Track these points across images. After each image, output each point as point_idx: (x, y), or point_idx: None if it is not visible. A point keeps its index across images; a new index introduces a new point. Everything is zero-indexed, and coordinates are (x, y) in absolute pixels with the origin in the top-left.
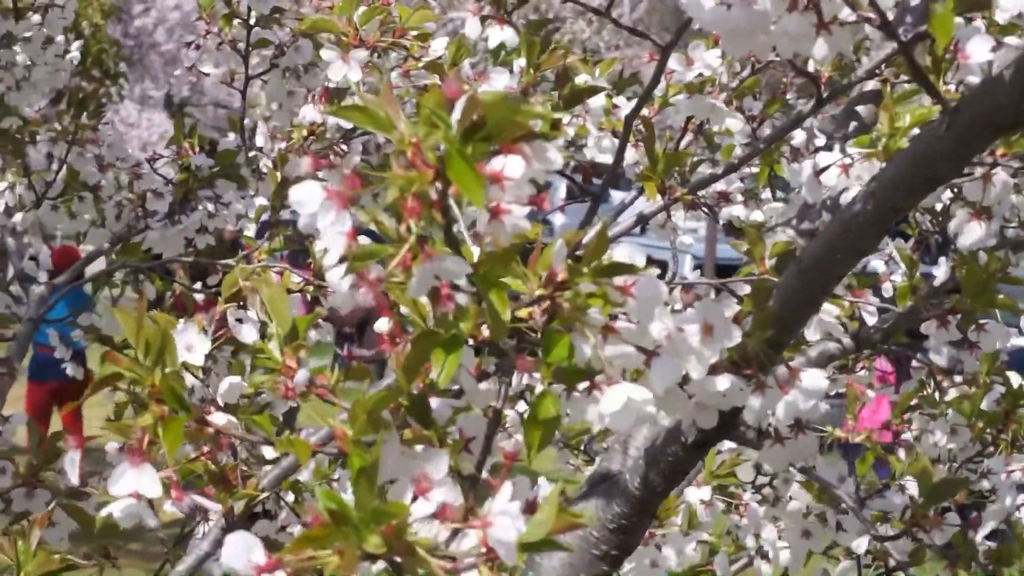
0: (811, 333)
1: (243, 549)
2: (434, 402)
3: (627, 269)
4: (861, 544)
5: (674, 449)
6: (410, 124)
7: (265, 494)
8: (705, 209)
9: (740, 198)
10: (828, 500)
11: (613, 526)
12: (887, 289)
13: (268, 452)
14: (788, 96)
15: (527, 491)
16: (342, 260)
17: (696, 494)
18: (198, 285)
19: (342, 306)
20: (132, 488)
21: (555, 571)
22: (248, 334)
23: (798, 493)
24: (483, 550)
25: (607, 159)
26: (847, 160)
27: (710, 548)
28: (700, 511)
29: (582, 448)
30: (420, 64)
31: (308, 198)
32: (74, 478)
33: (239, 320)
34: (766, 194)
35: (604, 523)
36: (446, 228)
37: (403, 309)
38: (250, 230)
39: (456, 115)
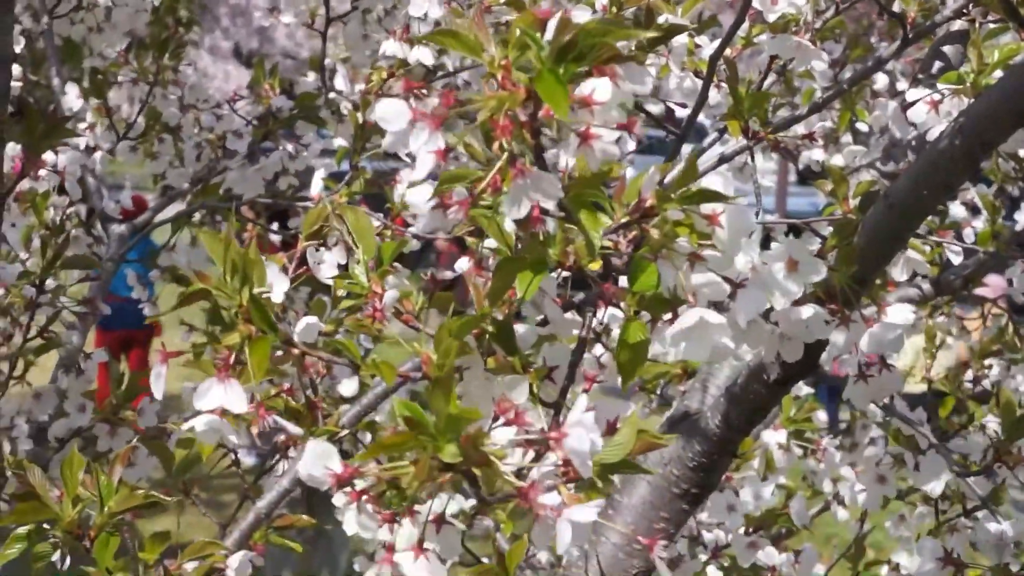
0: (898, 272)
1: (320, 457)
2: (518, 328)
3: (716, 197)
4: (937, 487)
5: (756, 387)
6: (500, 47)
7: (345, 431)
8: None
9: (820, 141)
10: (906, 443)
11: (693, 464)
12: (968, 235)
13: (346, 391)
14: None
15: (609, 413)
16: (430, 179)
17: (773, 437)
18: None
19: (426, 229)
20: (219, 403)
21: (635, 510)
22: (328, 273)
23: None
24: (562, 471)
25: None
26: (936, 96)
27: (786, 492)
28: (777, 455)
29: (658, 392)
30: (502, 0)
31: (395, 115)
32: (159, 392)
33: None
34: (846, 138)
35: (684, 461)
36: (536, 149)
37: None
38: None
39: (548, 35)
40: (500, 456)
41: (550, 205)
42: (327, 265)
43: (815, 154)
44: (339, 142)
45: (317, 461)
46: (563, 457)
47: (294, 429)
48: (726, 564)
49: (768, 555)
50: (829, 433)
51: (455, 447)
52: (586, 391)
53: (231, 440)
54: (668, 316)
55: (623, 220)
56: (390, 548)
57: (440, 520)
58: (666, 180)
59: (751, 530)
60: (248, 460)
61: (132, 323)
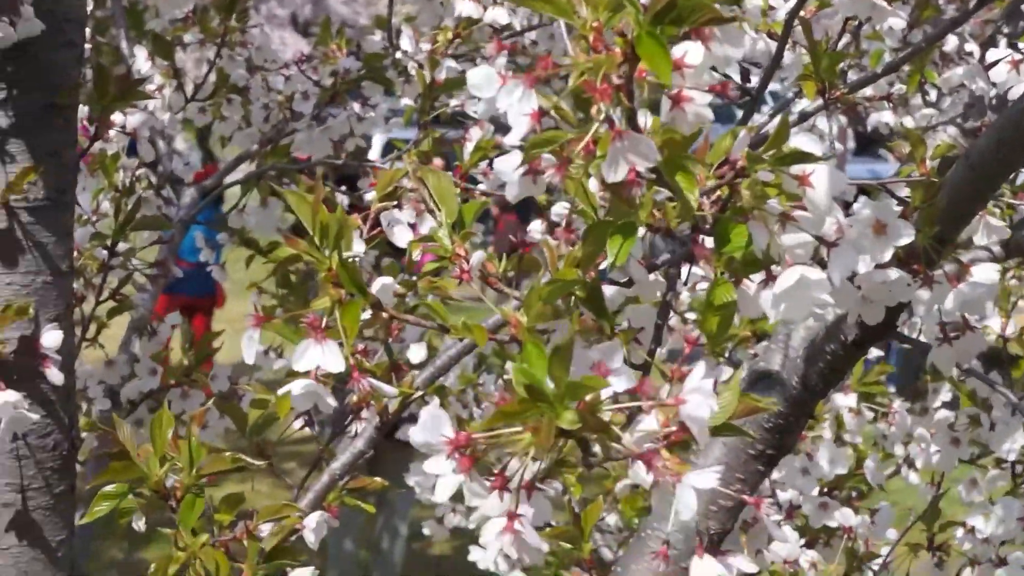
0: (979, 237)
1: (435, 423)
2: (607, 290)
3: (807, 158)
4: (1013, 450)
5: (833, 347)
6: (592, 8)
7: (420, 393)
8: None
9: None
10: (981, 404)
11: (769, 425)
12: None
13: (415, 356)
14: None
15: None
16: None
17: (843, 401)
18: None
19: (515, 195)
20: (316, 363)
21: None
22: (401, 236)
23: None
24: (663, 433)
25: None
26: (1017, 56)
27: (857, 456)
28: (847, 419)
29: (727, 356)
30: None
31: (484, 80)
32: (250, 357)
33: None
34: (914, 100)
35: (760, 423)
36: (631, 113)
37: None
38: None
39: None
40: (617, 423)
41: (645, 167)
42: (401, 228)
43: (884, 116)
44: (405, 102)
45: (432, 427)
46: (666, 422)
47: (389, 391)
48: (799, 524)
49: (844, 516)
50: (900, 396)
51: (573, 414)
52: (686, 355)
53: (328, 405)
54: (760, 277)
55: (711, 183)
56: (511, 516)
57: (531, 487)
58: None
59: (824, 491)
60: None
61: (196, 290)
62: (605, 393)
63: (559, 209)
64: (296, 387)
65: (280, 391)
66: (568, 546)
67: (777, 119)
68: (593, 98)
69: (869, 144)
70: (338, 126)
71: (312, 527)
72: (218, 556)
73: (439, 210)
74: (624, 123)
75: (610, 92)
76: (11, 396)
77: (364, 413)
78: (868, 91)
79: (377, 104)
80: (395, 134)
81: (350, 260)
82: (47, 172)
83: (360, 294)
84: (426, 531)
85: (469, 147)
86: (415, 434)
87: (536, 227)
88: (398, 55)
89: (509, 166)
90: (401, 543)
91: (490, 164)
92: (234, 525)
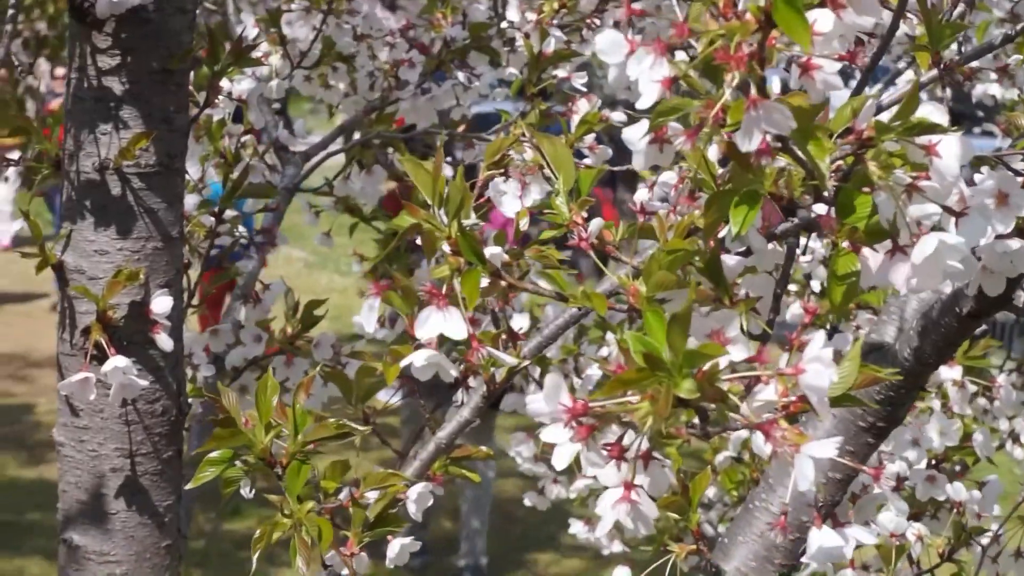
0: None
1: (555, 392)
2: (727, 260)
3: (934, 128)
4: None
5: (947, 320)
6: None
7: (527, 362)
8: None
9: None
10: None
11: (880, 397)
12: None
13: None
14: None
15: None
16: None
17: (948, 373)
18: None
19: (642, 165)
20: (438, 330)
21: None
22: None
23: None
24: (780, 403)
25: None
26: None
27: (963, 430)
28: (951, 392)
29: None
30: None
31: (612, 47)
32: (370, 326)
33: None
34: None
35: (871, 394)
36: (762, 81)
37: None
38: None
39: None
40: (736, 392)
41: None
42: (509, 196)
43: (991, 88)
44: (510, 71)
45: (552, 396)
46: (784, 392)
47: (508, 360)
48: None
49: (955, 490)
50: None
51: (692, 383)
52: (806, 325)
53: (449, 375)
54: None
55: (836, 152)
56: (628, 486)
57: (648, 457)
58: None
59: (931, 464)
60: None
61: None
62: (723, 362)
63: (667, 178)
64: (418, 357)
65: (403, 362)
66: (675, 517)
67: (898, 89)
68: (725, 66)
69: (958, 119)
70: (443, 96)
71: (414, 498)
72: (322, 523)
73: (556, 177)
74: (755, 91)
75: (745, 60)
76: (121, 361)
77: (470, 382)
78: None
79: (482, 74)
80: (483, 107)
81: (469, 228)
82: (159, 138)
83: (479, 262)
84: (527, 502)
85: (575, 120)
86: (533, 403)
87: (642, 196)
88: (503, 24)
89: (636, 135)
90: (484, 512)
91: (597, 137)
92: (339, 492)
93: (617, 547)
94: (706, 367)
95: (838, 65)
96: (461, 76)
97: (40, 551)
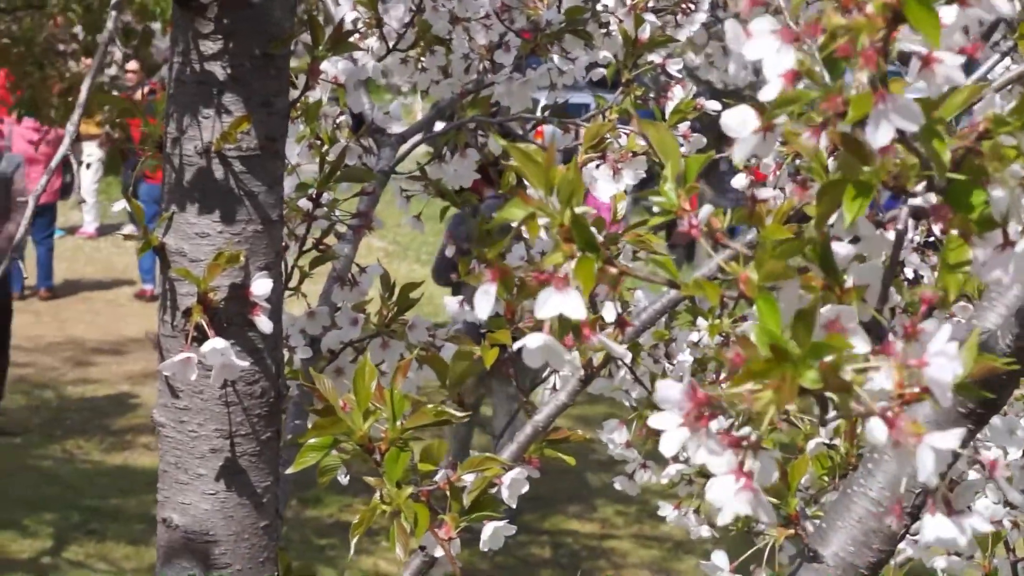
0: None
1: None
2: (838, 248)
3: None
4: None
5: None
6: None
7: (620, 355)
8: None
9: None
10: None
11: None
12: None
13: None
14: None
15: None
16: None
17: None
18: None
19: (744, 154)
20: (558, 311)
21: None
22: (604, 190)
23: None
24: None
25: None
26: None
27: None
28: None
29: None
30: None
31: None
32: (484, 312)
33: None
34: None
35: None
36: (884, 75)
37: None
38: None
39: None
40: (859, 383)
41: (911, 129)
42: (603, 182)
43: None
44: (604, 54)
45: (674, 386)
46: (900, 382)
47: (619, 350)
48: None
49: None
50: None
51: (816, 373)
52: (925, 315)
53: (562, 361)
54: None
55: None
56: (745, 473)
57: (758, 445)
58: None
59: None
60: None
61: None
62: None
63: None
64: (532, 340)
65: (515, 345)
66: (775, 501)
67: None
68: (847, 59)
69: None
70: (537, 78)
71: (508, 483)
72: (420, 509)
73: (663, 164)
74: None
75: (875, 56)
76: (220, 343)
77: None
78: None
79: (577, 58)
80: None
81: (582, 216)
82: (259, 121)
83: (592, 250)
84: (617, 486)
85: (669, 107)
86: (663, 389)
87: (740, 182)
88: (599, 8)
89: (739, 121)
90: None
91: (691, 126)
92: (434, 475)
93: (705, 531)
94: (830, 357)
95: (961, 59)
96: (556, 60)
97: (124, 536)
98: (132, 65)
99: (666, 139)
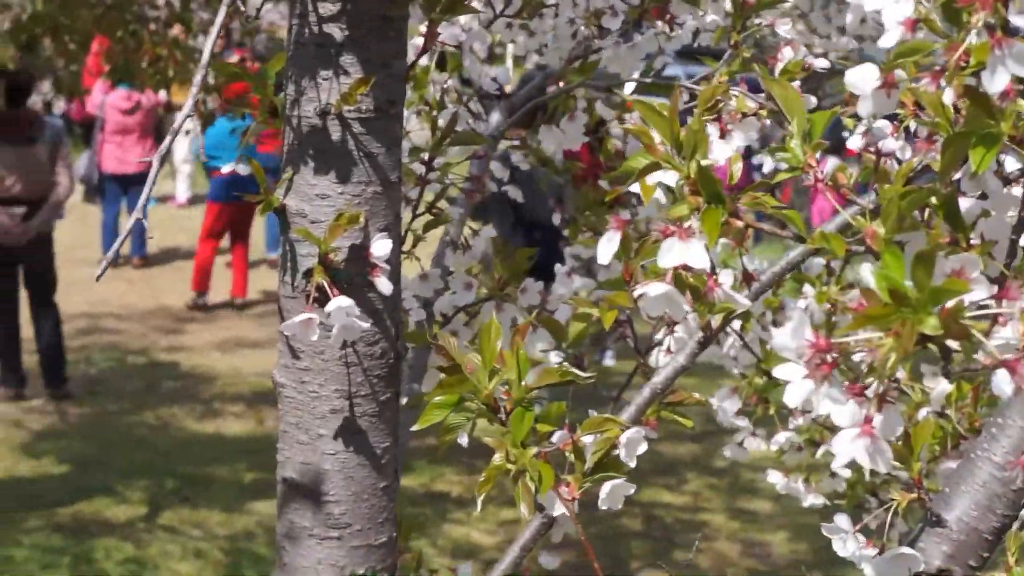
0: None
1: (800, 327)
2: (963, 202)
3: None
4: None
5: None
6: None
7: (744, 307)
8: None
9: None
10: None
11: None
12: None
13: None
14: None
15: None
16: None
17: None
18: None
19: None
20: (681, 260)
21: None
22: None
23: None
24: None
25: None
26: None
27: None
28: None
29: None
30: None
31: None
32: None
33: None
34: None
35: None
36: (1005, 22)
37: None
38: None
39: None
40: (981, 329)
41: None
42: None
43: None
44: (711, 18)
45: (798, 331)
46: None
47: (743, 302)
48: None
49: None
50: None
51: (936, 320)
52: None
53: (681, 310)
54: None
55: None
56: (868, 420)
57: (883, 398)
58: None
59: None
60: None
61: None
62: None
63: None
64: (652, 289)
65: (636, 291)
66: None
67: None
68: (968, 8)
69: None
70: (644, 43)
71: (625, 443)
72: (544, 468)
73: (788, 121)
74: (1000, 32)
75: (991, 1)
76: (344, 302)
77: (677, 328)
78: None
79: (684, 23)
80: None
81: (708, 168)
82: (378, 84)
83: (719, 202)
84: (727, 454)
85: (779, 66)
86: (779, 337)
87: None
88: None
89: (862, 78)
90: None
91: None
92: (551, 436)
93: (818, 499)
94: (950, 305)
95: None
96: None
97: (217, 503)
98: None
99: (792, 97)
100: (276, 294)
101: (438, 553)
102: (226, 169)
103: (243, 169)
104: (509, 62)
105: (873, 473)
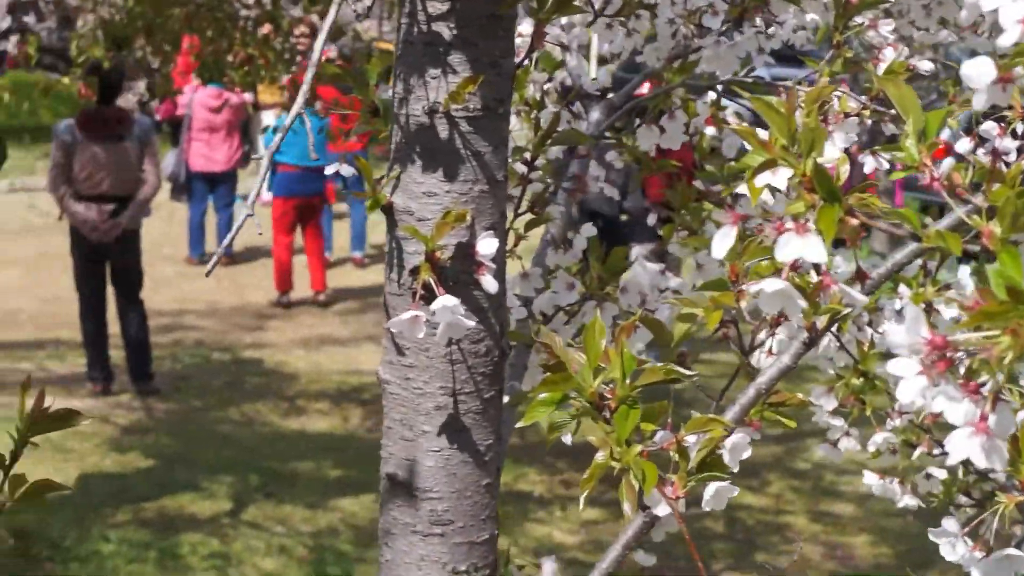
0: None
1: (916, 323)
2: None
3: None
4: None
5: None
6: None
7: (862, 304)
8: None
9: None
10: None
11: None
12: None
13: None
14: None
15: None
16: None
17: None
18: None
19: (983, 105)
20: (798, 254)
21: None
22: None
23: None
24: None
25: None
26: None
27: None
28: None
29: None
30: None
31: None
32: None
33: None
34: None
35: None
36: None
37: None
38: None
39: None
40: None
41: None
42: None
43: None
44: (811, 17)
45: (914, 327)
46: None
47: (860, 299)
48: None
49: None
50: None
51: None
52: None
53: (797, 308)
54: None
55: None
56: (983, 418)
57: (997, 397)
58: None
59: None
60: None
61: (308, 191)
62: None
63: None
64: (769, 284)
65: (752, 287)
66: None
67: None
68: None
69: None
70: (745, 43)
71: (730, 447)
72: (648, 466)
73: (904, 120)
74: None
75: None
76: (450, 300)
77: (779, 329)
78: None
79: (784, 21)
80: None
81: (824, 166)
82: (486, 82)
83: (835, 199)
84: (820, 452)
85: (881, 67)
86: (893, 334)
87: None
88: None
89: (978, 72)
90: None
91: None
92: (654, 435)
93: (912, 500)
94: None
95: None
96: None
97: (301, 499)
98: (303, 28)
99: (907, 96)
100: (358, 292)
101: (520, 552)
102: (330, 170)
103: (346, 170)
104: (594, 63)
105: (966, 473)
